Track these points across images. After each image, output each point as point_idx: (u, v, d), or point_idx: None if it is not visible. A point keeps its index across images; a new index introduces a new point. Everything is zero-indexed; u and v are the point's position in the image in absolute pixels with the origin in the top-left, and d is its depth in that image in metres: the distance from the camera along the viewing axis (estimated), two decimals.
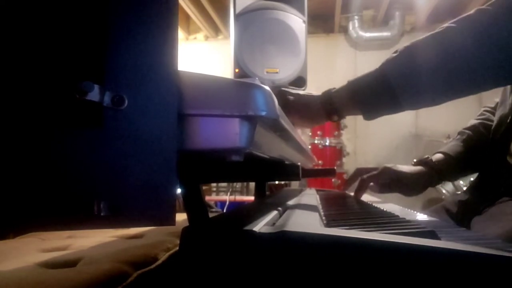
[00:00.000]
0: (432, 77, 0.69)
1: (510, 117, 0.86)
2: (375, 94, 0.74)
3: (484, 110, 1.06)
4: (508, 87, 0.89)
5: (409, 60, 0.71)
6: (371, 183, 0.97)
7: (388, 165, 0.99)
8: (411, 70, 0.70)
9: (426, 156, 1.02)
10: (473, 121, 1.07)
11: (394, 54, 0.73)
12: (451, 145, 1.04)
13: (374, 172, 0.98)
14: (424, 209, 1.08)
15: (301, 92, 0.88)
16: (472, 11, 0.69)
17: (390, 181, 0.97)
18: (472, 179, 1.04)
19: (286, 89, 0.89)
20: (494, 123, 0.93)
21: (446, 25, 0.70)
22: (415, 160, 1.04)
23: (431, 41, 0.71)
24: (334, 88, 0.82)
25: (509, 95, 0.88)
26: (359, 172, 1.02)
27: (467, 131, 1.04)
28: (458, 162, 0.99)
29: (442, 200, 1.08)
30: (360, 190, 0.98)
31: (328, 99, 0.81)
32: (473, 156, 0.99)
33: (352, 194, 1.01)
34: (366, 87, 0.75)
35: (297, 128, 0.89)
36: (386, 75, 0.72)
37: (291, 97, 0.85)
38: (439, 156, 1.02)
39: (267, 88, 0.32)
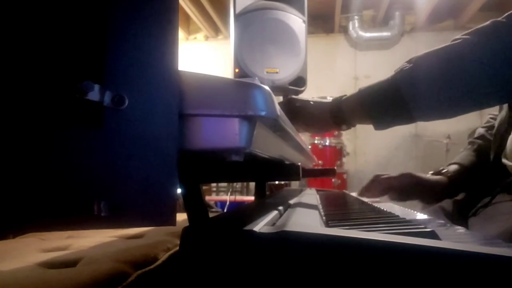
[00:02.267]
0: (446, 89, 0.67)
1: (507, 121, 0.86)
2: (388, 106, 0.72)
3: (490, 118, 1.06)
4: None
5: (422, 71, 0.70)
6: (389, 188, 0.94)
7: (409, 171, 0.96)
8: (424, 82, 0.69)
9: (442, 168, 1.01)
10: (480, 130, 1.06)
11: (407, 65, 0.72)
12: (464, 155, 1.03)
13: (393, 175, 0.96)
14: (424, 209, 1.08)
15: (310, 99, 0.87)
16: (487, 23, 0.67)
17: (410, 187, 0.95)
18: None
19: (295, 97, 0.89)
20: (495, 126, 0.93)
21: (461, 36, 0.69)
22: (431, 172, 1.03)
23: (444, 53, 0.69)
24: (344, 96, 0.81)
25: None
26: (378, 178, 1.00)
27: (477, 141, 1.04)
28: (473, 172, 0.98)
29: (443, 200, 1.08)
30: (378, 195, 0.95)
31: (338, 108, 0.79)
32: (485, 165, 0.98)
33: (364, 199, 0.99)
34: (378, 97, 0.73)
35: (306, 133, 0.89)
36: (398, 85, 0.71)
37: (300, 105, 0.84)
38: (454, 167, 1.00)
39: (266, 88, 0.32)
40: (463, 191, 1.03)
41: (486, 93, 0.67)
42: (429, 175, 0.99)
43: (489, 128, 1.03)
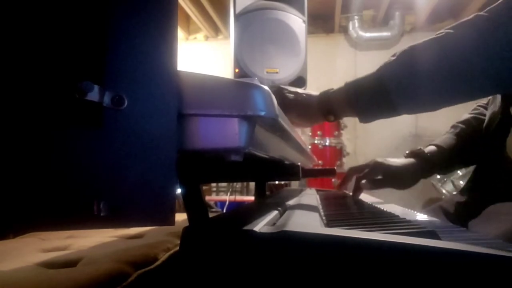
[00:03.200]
0: (429, 82, 0.69)
1: (500, 115, 0.86)
2: (371, 98, 0.73)
3: (478, 105, 1.07)
4: None
5: (406, 64, 0.71)
6: (363, 181, 0.97)
7: (379, 159, 0.99)
8: (407, 74, 0.70)
9: (419, 148, 1.02)
10: (466, 115, 1.07)
11: (392, 58, 0.73)
12: (444, 138, 1.04)
13: (365, 170, 0.98)
14: (424, 209, 1.08)
15: (299, 90, 0.88)
16: (470, 17, 0.68)
17: (382, 175, 0.97)
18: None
19: (285, 87, 0.89)
20: (486, 120, 0.94)
21: (444, 30, 0.70)
22: (407, 152, 1.04)
23: (429, 46, 0.70)
24: (332, 89, 0.82)
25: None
26: (352, 171, 1.02)
27: (460, 125, 1.05)
28: (450, 154, 1.00)
29: (442, 200, 1.08)
30: (356, 190, 0.98)
31: (325, 100, 0.81)
32: (466, 149, 1.00)
33: (350, 194, 1.02)
34: (363, 90, 0.75)
35: (295, 127, 0.89)
36: (382, 78, 0.72)
37: (289, 95, 0.86)
38: (431, 148, 1.02)
39: (266, 88, 0.32)
40: (438, 172, 1.04)
41: (467, 87, 0.67)
42: (400, 160, 1.00)
43: (478, 114, 1.04)
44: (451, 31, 0.69)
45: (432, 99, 0.71)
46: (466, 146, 1.00)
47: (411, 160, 1.00)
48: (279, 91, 0.87)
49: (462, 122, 1.06)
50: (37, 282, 0.46)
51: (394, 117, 0.75)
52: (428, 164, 0.99)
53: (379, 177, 0.98)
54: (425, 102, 0.72)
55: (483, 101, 1.05)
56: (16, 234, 0.82)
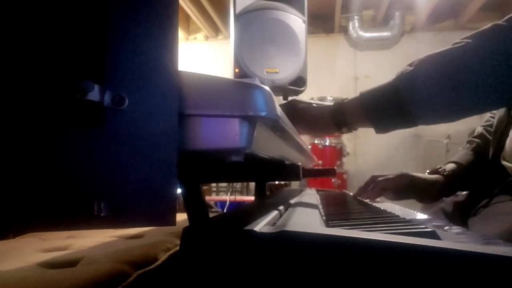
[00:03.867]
0: (448, 93, 0.67)
1: (506, 121, 0.86)
2: (388, 108, 0.72)
3: (490, 116, 1.06)
4: None
5: (423, 75, 0.69)
6: (385, 189, 0.95)
7: (405, 171, 0.97)
8: (425, 86, 0.69)
9: (439, 167, 1.01)
10: (479, 129, 1.06)
11: (409, 68, 0.71)
12: (462, 154, 1.03)
13: (390, 176, 0.97)
14: (424, 209, 1.08)
15: (312, 102, 0.87)
16: (488, 26, 0.67)
17: (405, 186, 0.95)
18: None
19: (298, 99, 0.89)
20: (493, 126, 0.94)
21: (463, 40, 0.68)
22: (428, 171, 1.03)
23: (446, 56, 0.69)
24: (346, 99, 0.81)
25: None
26: (375, 178, 1.01)
27: (475, 140, 1.04)
28: (470, 171, 0.99)
29: (443, 200, 1.08)
30: (374, 195, 0.96)
31: (339, 111, 0.79)
32: (483, 164, 0.98)
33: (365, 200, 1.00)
34: (378, 101, 0.73)
35: (306, 135, 0.89)
36: (400, 89, 0.70)
37: (302, 106, 0.85)
38: (451, 166, 1.01)
39: (267, 88, 0.32)
40: (460, 189, 1.03)
41: (489, 97, 0.66)
42: (425, 175, 1.00)
43: (488, 126, 1.04)
44: (470, 41, 0.67)
45: (451, 110, 0.69)
46: (483, 160, 0.98)
47: (435, 176, 0.99)
48: (291, 103, 0.87)
49: (477, 136, 1.05)
50: (37, 282, 0.46)
51: (411, 127, 0.74)
52: (449, 183, 0.98)
53: (403, 187, 0.95)
54: (444, 113, 0.71)
55: (494, 111, 1.05)
56: (16, 234, 0.82)
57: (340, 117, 0.79)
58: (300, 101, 0.86)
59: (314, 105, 0.85)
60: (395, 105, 0.71)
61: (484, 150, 1.00)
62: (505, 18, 0.66)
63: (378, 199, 1.02)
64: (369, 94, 0.75)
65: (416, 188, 0.96)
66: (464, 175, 0.99)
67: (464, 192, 1.04)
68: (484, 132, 1.04)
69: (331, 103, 0.83)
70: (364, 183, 1.00)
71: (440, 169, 1.00)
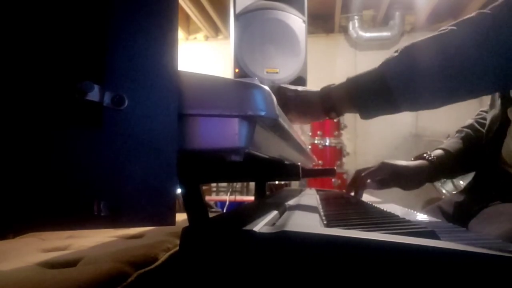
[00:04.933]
0: (431, 79, 0.68)
1: (500, 120, 0.87)
2: (373, 94, 0.73)
3: (481, 111, 1.08)
4: None
5: (408, 61, 0.70)
6: (369, 180, 0.97)
7: (386, 161, 0.99)
8: (409, 72, 0.69)
9: (425, 152, 1.02)
10: (470, 120, 1.08)
11: (394, 54, 0.72)
12: (451, 142, 1.04)
13: (372, 168, 0.98)
14: (424, 209, 1.08)
15: (300, 88, 0.87)
16: (473, 14, 0.68)
17: (388, 176, 0.97)
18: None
19: (285, 86, 0.89)
20: (487, 124, 0.94)
21: (447, 27, 0.69)
22: (414, 156, 1.04)
23: (431, 43, 0.70)
24: (333, 84, 0.81)
25: (498, 97, 0.89)
26: (359, 172, 1.02)
27: (465, 129, 1.05)
28: (457, 159, 1.00)
29: (442, 200, 1.09)
30: (358, 188, 0.98)
31: (327, 96, 0.80)
32: (472, 154, 0.99)
33: (352, 194, 1.02)
34: (364, 86, 0.74)
35: (296, 124, 0.89)
36: (384, 75, 0.71)
37: (290, 94, 0.85)
38: (438, 152, 1.02)
39: (266, 88, 0.32)
40: (446, 176, 1.04)
41: (469, 83, 0.67)
42: (407, 162, 1.00)
43: (480, 119, 1.05)
44: (454, 28, 0.68)
45: (434, 96, 0.70)
46: (472, 149, 1.00)
47: (418, 162, 1.00)
48: (279, 90, 0.87)
49: (467, 126, 1.06)
50: (37, 282, 0.46)
51: (395, 113, 0.75)
52: (434, 168, 0.99)
53: (385, 177, 0.97)
54: (427, 99, 0.71)
55: (486, 106, 1.05)
56: (16, 234, 0.82)
57: (328, 103, 0.80)
58: (288, 89, 0.86)
59: (301, 90, 0.85)
60: (379, 90, 0.71)
61: (473, 140, 1.01)
62: (490, 6, 0.66)
63: (378, 199, 1.02)
64: (355, 79, 0.76)
65: (399, 176, 0.97)
66: (450, 162, 0.99)
67: (458, 192, 1.05)
68: (475, 123, 1.05)
69: (318, 89, 0.83)
70: (350, 179, 1.02)
71: (426, 155, 1.00)
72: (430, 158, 0.99)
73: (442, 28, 0.70)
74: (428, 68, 0.68)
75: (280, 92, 0.86)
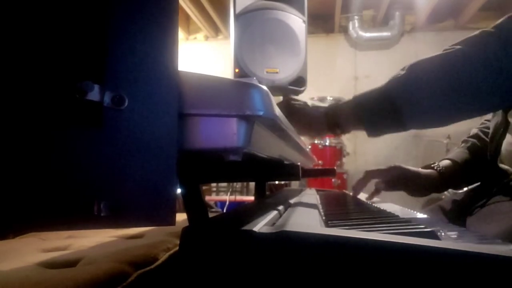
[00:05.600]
0: (438, 99, 0.68)
1: (503, 125, 0.87)
2: (379, 113, 0.73)
3: (485, 120, 1.08)
4: None
5: (415, 80, 0.70)
6: (377, 180, 0.97)
7: (397, 164, 0.99)
8: (416, 91, 0.70)
9: (433, 163, 1.02)
10: (475, 130, 1.08)
11: (401, 72, 0.72)
12: (457, 152, 1.04)
13: (382, 168, 0.98)
14: (424, 209, 1.08)
15: (308, 102, 0.88)
16: (477, 33, 0.68)
17: (397, 178, 0.97)
18: None
19: (293, 98, 0.90)
20: (490, 131, 0.95)
21: (453, 46, 0.70)
22: (422, 167, 1.04)
23: (437, 62, 0.70)
24: (340, 102, 0.82)
25: None
26: (368, 173, 1.02)
27: (471, 139, 1.05)
28: (465, 169, 1.00)
29: (442, 200, 1.09)
30: (363, 182, 0.98)
31: (333, 113, 0.81)
32: (478, 164, 0.99)
33: (363, 198, 1.01)
34: (371, 105, 0.74)
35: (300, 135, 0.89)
36: (391, 94, 0.71)
37: (297, 106, 0.86)
38: (446, 162, 1.02)
39: (264, 88, 0.32)
40: (453, 186, 1.04)
41: (476, 102, 0.68)
42: (418, 169, 1.00)
43: (484, 128, 1.05)
44: (460, 47, 0.68)
45: (440, 115, 0.71)
46: (478, 159, 1.00)
47: (428, 171, 1.00)
48: (287, 101, 0.88)
49: (472, 136, 1.06)
50: (37, 282, 0.46)
51: (402, 131, 0.75)
52: (443, 179, 0.99)
53: (394, 179, 0.97)
54: (433, 118, 0.72)
55: (490, 115, 1.05)
56: (16, 234, 0.82)
57: (333, 120, 0.81)
58: (296, 100, 0.87)
59: (309, 105, 0.86)
60: (386, 109, 0.72)
61: (479, 149, 1.01)
62: (494, 25, 0.67)
63: (378, 199, 1.02)
64: (361, 97, 0.77)
65: (407, 181, 0.97)
66: (458, 173, 1.00)
67: (461, 191, 1.05)
68: (480, 133, 1.05)
69: (326, 105, 0.84)
70: (358, 180, 1.02)
71: (434, 165, 1.01)
72: (439, 168, 0.99)
73: (447, 47, 0.70)
74: (436, 87, 0.68)
75: (287, 103, 0.87)
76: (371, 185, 1.00)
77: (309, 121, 0.84)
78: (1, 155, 0.25)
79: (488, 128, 1.02)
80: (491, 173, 0.91)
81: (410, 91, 0.70)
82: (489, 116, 1.04)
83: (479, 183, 0.97)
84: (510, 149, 0.87)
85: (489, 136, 0.95)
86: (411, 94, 0.70)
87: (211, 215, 0.46)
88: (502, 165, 0.88)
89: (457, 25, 4.06)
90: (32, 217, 0.26)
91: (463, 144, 1.06)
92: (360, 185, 1.01)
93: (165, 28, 0.29)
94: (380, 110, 0.73)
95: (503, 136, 0.88)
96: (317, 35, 4.33)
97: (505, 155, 0.87)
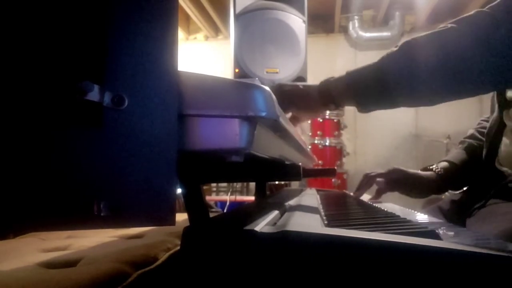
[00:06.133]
0: (429, 76, 0.68)
1: (499, 122, 0.87)
2: (371, 88, 0.73)
3: (481, 120, 1.09)
4: (494, 93, 0.91)
5: (407, 57, 0.70)
6: (378, 179, 0.97)
7: (397, 167, 0.99)
8: (408, 67, 0.70)
9: (431, 164, 1.03)
10: (471, 130, 1.08)
11: (394, 49, 0.73)
12: (455, 153, 1.05)
13: (382, 171, 0.98)
14: (424, 209, 1.08)
15: (300, 84, 0.88)
16: (472, 13, 0.68)
17: (397, 180, 0.97)
18: None
19: (283, 83, 0.90)
20: (487, 127, 0.95)
21: (446, 24, 0.70)
22: (421, 168, 1.04)
23: (430, 40, 0.70)
24: (332, 77, 0.82)
25: (496, 101, 0.90)
26: (368, 175, 1.03)
27: (467, 140, 1.06)
28: (463, 170, 1.00)
29: (442, 200, 1.10)
30: (364, 185, 0.98)
31: (325, 88, 0.80)
32: (476, 163, 1.00)
33: (365, 199, 1.01)
34: (363, 80, 0.75)
35: (296, 123, 0.89)
36: (383, 69, 0.72)
37: (288, 89, 0.85)
38: (444, 164, 1.02)
39: (267, 88, 0.32)
40: (452, 188, 1.05)
41: (467, 81, 0.67)
42: (418, 171, 1.01)
43: (481, 128, 1.05)
44: (454, 25, 0.68)
45: (431, 93, 0.71)
46: (476, 159, 1.00)
47: (428, 172, 1.01)
48: (277, 88, 0.87)
49: (468, 137, 1.07)
50: (37, 282, 0.46)
51: (393, 108, 0.75)
52: (442, 181, 0.99)
53: (394, 181, 0.98)
54: (424, 96, 0.72)
55: (486, 115, 1.06)
56: (16, 234, 0.82)
57: (327, 95, 0.80)
58: (286, 84, 0.87)
59: (300, 86, 0.86)
60: (378, 85, 0.72)
61: (477, 150, 1.02)
62: (488, 5, 0.66)
63: (379, 199, 1.02)
64: (354, 72, 0.77)
65: (408, 182, 0.98)
66: (456, 174, 1.00)
67: (458, 192, 1.05)
68: (476, 133, 1.05)
69: (317, 83, 0.83)
70: (359, 183, 1.03)
71: (433, 167, 1.01)
72: (437, 170, 1.00)
73: (441, 26, 0.70)
74: (427, 64, 0.68)
75: (278, 89, 0.86)
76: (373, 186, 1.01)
77: (303, 101, 0.84)
78: (1, 155, 0.25)
79: (484, 128, 1.02)
80: (487, 173, 0.91)
81: (402, 67, 0.70)
82: (486, 108, 1.04)
83: (477, 184, 0.98)
84: (507, 151, 0.87)
85: (485, 131, 0.96)
86: (403, 70, 0.70)
87: (211, 215, 0.46)
88: (499, 166, 0.89)
89: None
90: (32, 217, 0.26)
91: (460, 145, 1.07)
92: (362, 190, 1.01)
93: (165, 28, 0.29)
94: (372, 85, 0.73)
95: (498, 136, 0.88)
96: (317, 35, 4.33)
97: (503, 157, 0.87)
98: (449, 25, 0.69)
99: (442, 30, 0.69)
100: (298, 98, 0.84)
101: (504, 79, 0.66)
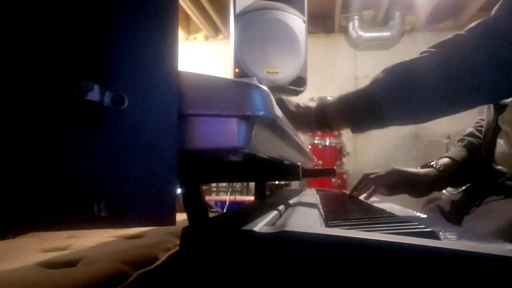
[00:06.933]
0: (411, 100, 0.75)
1: (495, 123, 0.89)
2: (361, 112, 0.80)
3: (479, 119, 1.10)
4: None
5: (392, 83, 0.77)
6: (379, 187, 0.97)
7: (396, 167, 0.99)
8: (393, 92, 0.77)
9: (431, 161, 1.03)
10: (470, 129, 1.09)
11: (381, 74, 0.79)
12: (455, 150, 1.05)
13: (382, 173, 0.98)
14: (423, 209, 1.08)
15: (300, 103, 0.93)
16: (450, 36, 0.75)
17: (397, 182, 0.97)
18: None
19: (286, 98, 0.94)
20: (483, 129, 0.96)
21: (428, 49, 0.77)
22: (421, 166, 1.05)
23: (412, 66, 0.77)
24: (328, 101, 0.88)
25: (492, 105, 0.91)
26: (367, 176, 1.02)
27: (466, 138, 1.06)
28: (463, 167, 1.00)
29: (441, 199, 1.10)
30: (362, 188, 0.98)
31: (321, 113, 0.87)
32: (476, 161, 1.00)
33: (360, 198, 1.01)
34: (353, 104, 0.82)
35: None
36: (371, 94, 0.78)
37: (290, 107, 0.91)
38: (445, 160, 1.03)
39: (265, 88, 0.32)
40: (453, 184, 1.06)
41: (453, 101, 0.74)
42: (416, 169, 1.01)
43: (479, 126, 1.06)
44: (434, 50, 0.76)
45: (416, 114, 0.78)
46: (475, 156, 1.01)
47: (427, 169, 1.01)
48: (280, 102, 0.91)
49: (467, 135, 1.08)
50: (37, 282, 0.46)
51: (383, 128, 0.82)
52: (442, 176, 1.00)
53: (395, 183, 0.98)
54: (410, 117, 0.80)
55: (484, 114, 1.06)
56: (16, 234, 0.82)
57: (321, 119, 0.87)
58: (287, 100, 0.92)
59: (301, 105, 0.91)
60: (368, 108, 0.79)
61: (476, 147, 1.03)
62: (466, 28, 0.73)
63: (378, 199, 1.02)
64: (346, 98, 0.84)
65: (409, 183, 0.98)
66: (457, 170, 1.00)
67: (456, 192, 1.05)
68: (475, 131, 1.06)
69: (314, 105, 0.91)
70: (358, 181, 1.02)
71: (433, 163, 1.01)
72: (437, 166, 1.00)
73: (423, 51, 0.78)
74: (410, 89, 0.75)
75: (281, 106, 0.90)
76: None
77: (301, 121, 0.90)
78: (1, 155, 0.25)
79: (482, 126, 1.03)
80: (485, 172, 0.92)
81: (388, 93, 0.78)
82: (484, 113, 1.05)
83: (475, 182, 0.98)
84: (502, 151, 0.89)
85: (482, 132, 0.97)
86: (389, 95, 0.77)
87: (211, 215, 0.46)
88: (495, 166, 0.90)
89: (457, 25, 4.06)
90: (32, 217, 0.26)
91: (459, 143, 1.07)
92: (361, 192, 1.01)
93: (165, 28, 0.29)
94: (362, 109, 0.80)
95: (494, 137, 0.89)
96: (317, 35, 4.33)
97: (499, 158, 0.89)
98: (430, 50, 0.76)
99: (423, 56, 0.77)
100: (298, 118, 0.90)
101: (483, 96, 0.73)
